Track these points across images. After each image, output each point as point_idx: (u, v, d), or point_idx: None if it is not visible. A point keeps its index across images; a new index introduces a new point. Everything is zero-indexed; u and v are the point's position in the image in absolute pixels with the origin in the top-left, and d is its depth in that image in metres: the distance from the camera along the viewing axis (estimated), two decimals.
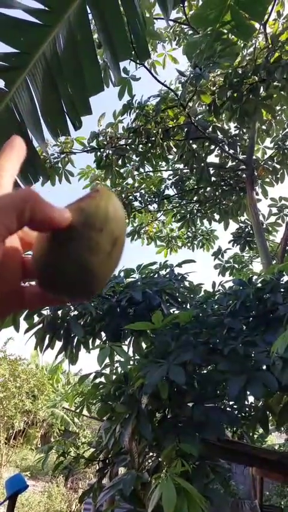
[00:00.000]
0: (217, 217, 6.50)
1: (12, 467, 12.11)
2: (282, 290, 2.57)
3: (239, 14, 3.65)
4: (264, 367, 2.38)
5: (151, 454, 2.42)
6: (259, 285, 2.73)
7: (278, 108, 5.25)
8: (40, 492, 10.88)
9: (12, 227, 0.27)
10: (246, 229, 6.04)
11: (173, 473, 1.93)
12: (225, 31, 4.22)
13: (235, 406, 2.63)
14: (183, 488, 1.90)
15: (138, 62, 3.95)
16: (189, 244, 7.68)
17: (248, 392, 2.22)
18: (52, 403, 13.46)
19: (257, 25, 4.55)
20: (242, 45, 4.78)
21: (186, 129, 4.64)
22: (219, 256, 6.68)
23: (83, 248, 0.29)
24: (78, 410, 3.45)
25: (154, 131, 4.50)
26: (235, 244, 6.10)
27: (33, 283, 0.35)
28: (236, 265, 6.66)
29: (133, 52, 1.93)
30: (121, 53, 1.86)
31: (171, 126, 4.78)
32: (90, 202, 0.30)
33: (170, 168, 6.39)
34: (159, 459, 2.31)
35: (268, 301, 2.51)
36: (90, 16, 1.69)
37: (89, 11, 1.66)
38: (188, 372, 2.72)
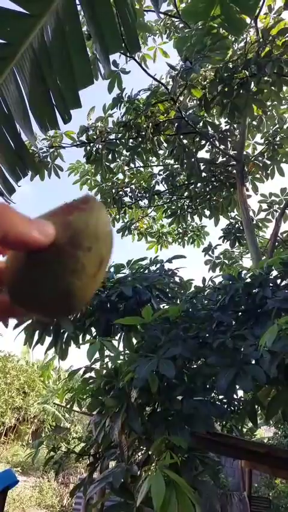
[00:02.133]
0: (207, 213, 6.52)
1: (3, 463, 12.09)
2: (271, 285, 2.59)
3: (230, 8, 3.64)
4: (254, 361, 2.41)
5: (141, 447, 2.44)
6: (248, 280, 2.75)
7: (268, 103, 5.27)
8: (31, 487, 10.89)
9: None
10: (237, 225, 6.08)
11: (162, 466, 1.94)
12: (216, 25, 4.21)
13: (224, 400, 2.66)
14: (172, 480, 1.92)
15: (128, 55, 3.91)
16: (179, 240, 7.70)
17: (238, 386, 2.25)
18: (43, 399, 13.45)
19: (248, 19, 4.55)
20: (233, 39, 4.77)
21: (176, 124, 4.62)
22: (210, 252, 6.72)
23: (65, 270, 0.26)
24: (68, 406, 3.45)
25: (144, 125, 4.48)
26: (225, 240, 6.14)
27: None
28: (226, 261, 6.71)
29: (123, 44, 1.91)
30: (111, 45, 1.84)
31: (161, 120, 4.76)
32: (79, 216, 0.27)
33: (161, 164, 6.37)
34: (149, 452, 2.33)
35: (257, 295, 2.53)
36: (79, 7, 1.66)
37: (77, 2, 1.63)
38: (178, 366, 2.74)
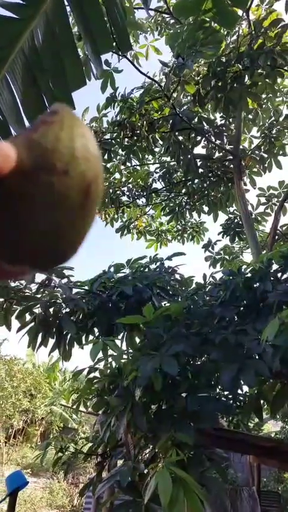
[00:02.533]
0: (206, 209, 6.51)
1: (13, 465, 12.16)
2: (271, 278, 2.59)
3: (221, 1, 3.62)
4: (257, 355, 2.41)
5: (147, 445, 2.45)
6: (248, 274, 2.75)
7: (263, 96, 5.24)
8: (42, 488, 10.96)
9: None
10: (236, 220, 6.07)
11: (169, 463, 1.95)
12: (208, 19, 4.18)
13: (230, 396, 2.66)
14: (179, 477, 1.92)
15: (120, 54, 3.90)
16: (179, 238, 7.69)
17: (242, 381, 2.25)
18: (50, 401, 13.51)
19: (240, 12, 4.52)
20: (226, 33, 4.74)
21: (171, 121, 4.61)
22: (210, 248, 6.71)
23: (40, 203, 0.20)
24: (74, 407, 3.46)
25: (139, 124, 4.47)
26: (225, 236, 6.13)
27: None
28: (227, 257, 6.70)
29: (114, 44, 1.90)
30: (102, 45, 1.84)
31: (156, 118, 4.74)
32: (46, 131, 0.21)
33: (157, 161, 6.36)
34: (155, 450, 2.33)
35: (257, 289, 2.53)
36: (68, 8, 1.66)
37: (66, 3, 1.63)
38: (182, 363, 2.74)
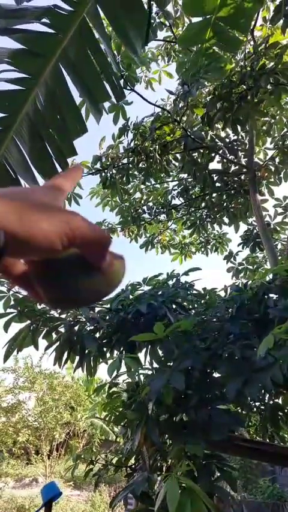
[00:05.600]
0: (226, 220, 6.60)
1: (56, 478, 12.48)
2: (275, 294, 2.68)
3: (222, 29, 3.82)
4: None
5: (161, 456, 2.60)
6: (255, 289, 2.86)
7: (274, 109, 5.32)
8: (84, 501, 11.17)
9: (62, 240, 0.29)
10: (255, 231, 6.10)
11: (178, 473, 2.10)
12: (212, 46, 4.39)
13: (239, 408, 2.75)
14: (188, 486, 2.07)
15: (128, 88, 4.21)
16: (202, 250, 7.79)
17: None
18: (90, 414, 13.76)
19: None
20: (231, 56, 4.92)
21: (183, 142, 4.82)
22: (232, 259, 6.75)
23: (99, 283, 0.34)
24: (107, 419, 3.67)
25: (151, 148, 4.73)
26: (244, 247, 6.17)
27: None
28: (250, 267, 6.70)
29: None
30: (98, 98, 2.12)
31: (168, 141, 4.98)
32: (114, 263, 0.35)
33: (175, 179, 6.57)
34: (169, 461, 2.48)
35: (261, 305, 2.64)
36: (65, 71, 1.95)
37: (62, 68, 1.92)
38: (195, 376, 2.88)
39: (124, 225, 6.96)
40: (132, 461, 3.45)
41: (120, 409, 3.21)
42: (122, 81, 3.90)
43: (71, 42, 1.79)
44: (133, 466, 3.47)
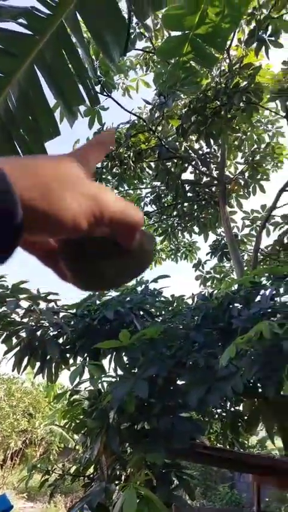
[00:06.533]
0: (197, 229, 6.74)
1: (9, 489, 11.94)
2: (239, 304, 2.76)
3: (200, 45, 3.94)
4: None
5: (120, 465, 2.57)
6: (220, 299, 2.93)
7: (246, 125, 5.54)
8: None
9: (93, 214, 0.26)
10: (223, 241, 6.28)
11: (136, 483, 2.09)
12: (189, 60, 4.51)
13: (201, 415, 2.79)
14: (145, 495, 2.06)
15: (105, 94, 4.22)
16: (172, 257, 7.90)
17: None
18: (50, 421, 13.36)
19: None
20: (207, 72, 5.07)
21: (158, 151, 4.89)
22: (200, 268, 6.90)
23: (132, 260, 0.33)
24: (67, 427, 3.57)
25: (126, 155, 4.75)
26: (212, 256, 6.34)
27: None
28: (217, 276, 6.88)
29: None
30: (73, 102, 2.09)
31: (143, 149, 5.03)
32: (148, 240, 0.34)
33: (148, 186, 6.64)
34: (129, 469, 2.46)
35: (226, 314, 2.71)
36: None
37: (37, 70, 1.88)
38: (159, 384, 2.89)
39: None
40: (91, 470, 3.39)
41: (81, 416, 3.16)
42: (99, 87, 3.90)
43: (47, 44, 1.76)
44: (91, 476, 3.41)
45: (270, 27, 4.44)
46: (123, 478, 2.65)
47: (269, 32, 4.44)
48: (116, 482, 2.64)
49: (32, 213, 0.23)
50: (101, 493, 2.20)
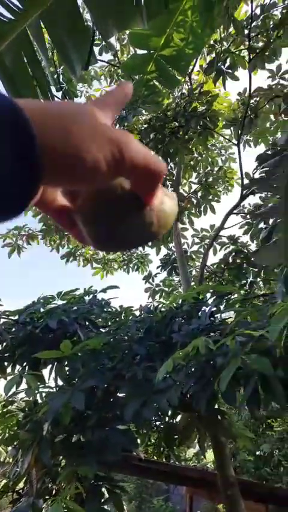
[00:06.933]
0: (149, 243, 6.87)
1: None
2: (181, 319, 2.87)
3: (163, 66, 4.11)
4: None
5: (50, 479, 2.51)
6: (164, 313, 3.02)
7: (201, 147, 5.83)
8: None
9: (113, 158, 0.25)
10: (173, 256, 6.48)
11: (64, 497, 2.05)
12: (152, 78, 4.67)
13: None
14: (74, 510, 2.03)
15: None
16: (124, 267, 7.94)
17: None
18: None
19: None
20: (169, 93, 5.28)
21: None
22: (150, 280, 7.03)
23: (139, 222, 0.30)
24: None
25: None
26: (162, 270, 6.50)
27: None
28: (166, 289, 7.05)
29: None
30: None
31: None
32: (171, 201, 0.32)
33: None
34: (61, 483, 2.40)
35: (168, 329, 2.79)
36: None
37: None
38: (98, 396, 2.88)
39: (46, 234, 6.75)
40: (22, 485, 3.25)
41: (15, 428, 3.03)
42: (60, 93, 3.88)
43: (7, 49, 1.75)
44: (21, 491, 3.27)
45: (228, 60, 4.78)
46: (54, 492, 2.58)
47: (227, 64, 4.78)
48: (47, 497, 2.56)
49: (51, 154, 0.22)
50: (28, 508, 2.12)
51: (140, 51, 2.92)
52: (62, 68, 3.89)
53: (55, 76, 3.85)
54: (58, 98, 4.09)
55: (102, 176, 0.25)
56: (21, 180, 0.21)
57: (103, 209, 0.29)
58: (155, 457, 4.64)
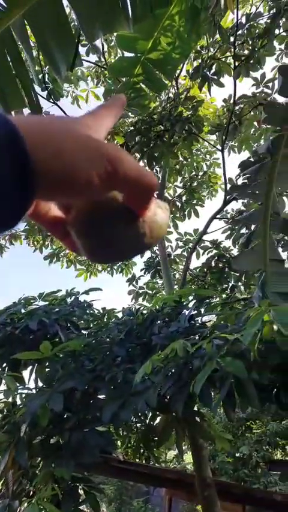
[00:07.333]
0: None
1: None
2: (161, 321, 2.89)
3: (150, 69, 4.14)
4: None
5: (26, 480, 2.49)
6: (145, 315, 3.04)
7: (186, 152, 5.89)
8: None
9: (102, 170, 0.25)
10: (157, 259, 6.52)
11: (40, 498, 2.04)
12: (139, 82, 4.71)
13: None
14: (49, 511, 2.02)
15: (51, 101, 4.19)
16: (108, 269, 7.92)
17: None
18: None
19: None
20: (156, 96, 5.33)
21: None
22: (134, 283, 7.05)
23: (132, 233, 0.30)
24: None
25: None
26: (146, 272, 6.53)
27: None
28: (150, 291, 7.08)
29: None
30: (13, 105, 2.07)
31: None
32: (162, 214, 0.33)
33: None
34: (37, 485, 2.39)
35: (148, 331, 2.81)
36: None
37: None
38: (77, 398, 2.87)
39: (30, 234, 6.68)
40: None
41: None
42: (45, 93, 3.86)
43: None
44: None
45: (214, 67, 4.86)
46: (31, 493, 2.56)
47: (213, 71, 4.86)
48: (24, 498, 2.54)
49: (44, 171, 0.22)
50: (3, 510, 2.10)
51: (127, 54, 2.95)
52: (47, 67, 3.88)
53: (40, 76, 3.83)
54: (43, 97, 4.08)
55: (95, 190, 0.25)
56: (15, 195, 0.22)
57: (97, 222, 0.30)
58: (136, 459, 4.64)
